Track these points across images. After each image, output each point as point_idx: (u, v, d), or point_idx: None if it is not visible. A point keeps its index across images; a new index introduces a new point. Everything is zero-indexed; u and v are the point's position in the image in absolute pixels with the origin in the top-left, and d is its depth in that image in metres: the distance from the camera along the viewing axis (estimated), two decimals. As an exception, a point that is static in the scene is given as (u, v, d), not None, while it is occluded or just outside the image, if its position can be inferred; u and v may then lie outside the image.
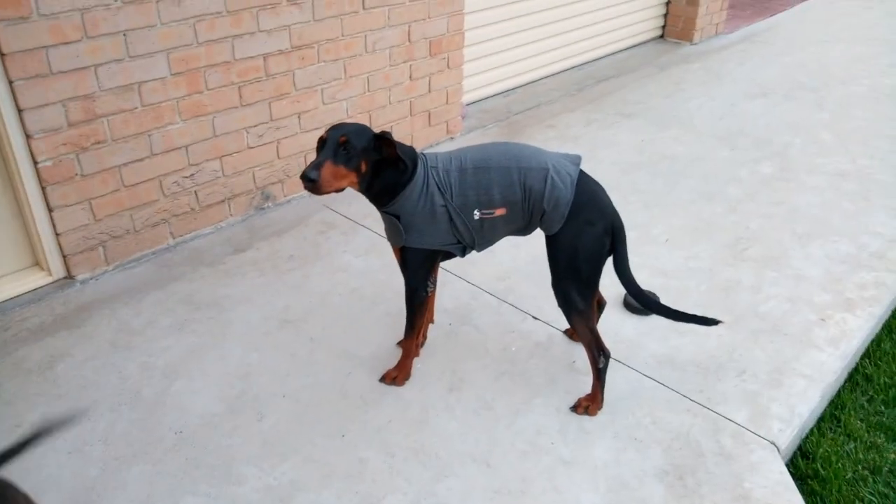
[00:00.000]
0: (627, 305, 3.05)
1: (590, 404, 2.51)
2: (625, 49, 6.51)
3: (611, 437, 2.44)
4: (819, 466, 2.48)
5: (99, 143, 3.07)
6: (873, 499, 2.39)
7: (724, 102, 5.40)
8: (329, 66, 3.80)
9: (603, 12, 6.04)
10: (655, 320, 2.94)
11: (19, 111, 2.82)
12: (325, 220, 3.75)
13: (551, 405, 2.57)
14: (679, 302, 3.04)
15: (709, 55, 6.47)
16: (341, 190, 2.26)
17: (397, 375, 2.63)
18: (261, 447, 2.40)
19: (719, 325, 2.53)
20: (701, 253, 3.50)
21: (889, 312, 3.23)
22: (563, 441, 2.42)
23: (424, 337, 2.83)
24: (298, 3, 3.53)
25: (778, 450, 2.42)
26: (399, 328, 2.81)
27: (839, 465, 2.49)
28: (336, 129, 2.24)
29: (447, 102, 4.54)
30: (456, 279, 3.23)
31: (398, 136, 4.16)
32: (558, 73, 5.89)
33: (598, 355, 2.44)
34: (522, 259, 3.36)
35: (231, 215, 3.70)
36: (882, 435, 2.64)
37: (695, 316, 2.47)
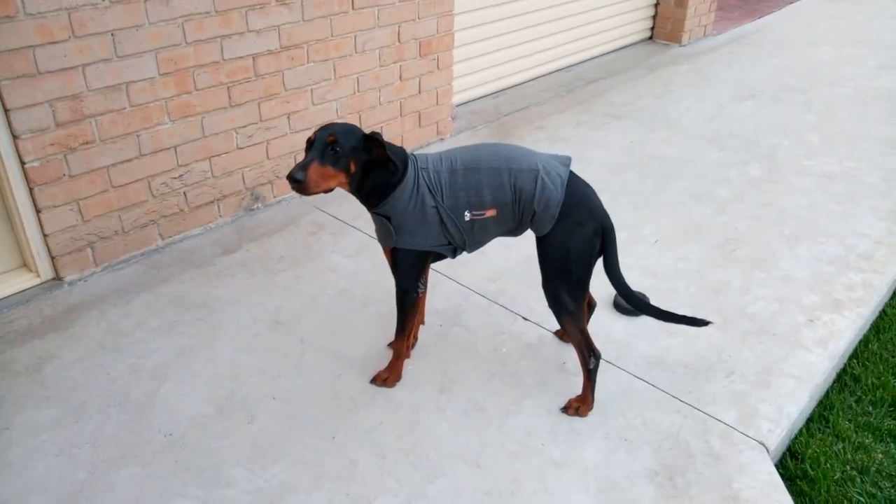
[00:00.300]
0: (617, 306, 3.06)
1: (580, 405, 2.51)
2: (614, 51, 6.53)
3: (601, 438, 2.45)
4: (808, 467, 2.50)
5: (87, 143, 3.05)
6: (861, 499, 2.41)
7: (713, 104, 5.43)
8: (318, 67, 3.79)
9: (592, 14, 6.06)
10: (645, 321, 2.95)
11: (6, 111, 2.80)
12: (316, 220, 3.74)
13: (542, 406, 2.57)
14: (668, 303, 3.06)
15: (697, 57, 6.50)
16: (330, 190, 2.25)
17: (388, 377, 2.63)
18: (251, 449, 2.39)
19: (709, 325, 2.54)
20: (690, 254, 3.52)
21: (876, 313, 3.26)
22: (554, 442, 2.43)
23: (415, 338, 2.83)
24: (287, 3, 3.52)
25: (767, 450, 2.43)
26: (390, 329, 2.80)
27: (828, 465, 2.51)
28: (325, 129, 2.24)
29: (437, 103, 4.53)
30: (447, 280, 3.23)
31: (388, 136, 4.15)
32: (548, 74, 5.90)
33: (589, 356, 2.44)
34: (513, 260, 3.37)
35: (220, 216, 3.68)
36: (870, 435, 2.66)
37: (684, 317, 2.48)
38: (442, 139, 4.69)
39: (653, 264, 3.43)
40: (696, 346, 2.87)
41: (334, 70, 3.87)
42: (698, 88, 5.74)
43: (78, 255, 3.19)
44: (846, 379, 2.94)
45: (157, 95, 3.20)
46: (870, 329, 3.21)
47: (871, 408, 2.79)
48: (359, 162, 2.25)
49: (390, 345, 2.80)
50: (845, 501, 2.40)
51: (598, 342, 2.52)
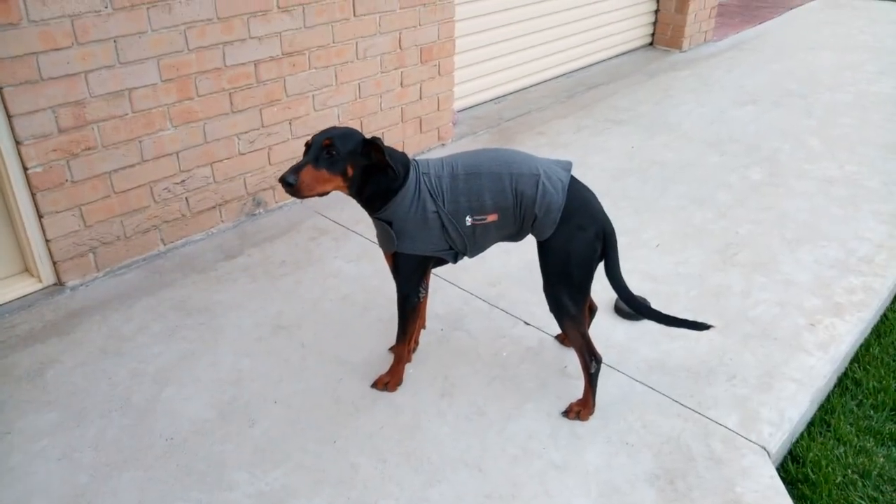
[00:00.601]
0: (619, 311, 3.06)
1: (581, 409, 2.51)
2: (614, 56, 6.55)
3: (602, 442, 2.45)
4: (809, 471, 2.49)
5: (89, 149, 3.06)
6: (863, 502, 2.40)
7: (714, 109, 5.44)
8: (320, 73, 3.81)
9: (593, 20, 6.09)
10: (646, 325, 2.95)
11: (9, 117, 2.82)
12: (317, 225, 3.75)
13: (543, 410, 2.57)
14: (669, 307, 3.06)
15: (698, 62, 6.52)
16: (325, 194, 2.26)
17: (389, 381, 2.63)
18: (252, 453, 2.39)
19: (710, 329, 2.54)
20: (691, 258, 3.52)
21: (877, 317, 3.26)
22: (555, 446, 2.43)
23: (416, 343, 2.83)
24: (289, 10, 3.54)
25: (768, 454, 2.43)
26: (391, 334, 2.81)
27: (829, 469, 2.50)
28: (322, 133, 2.25)
29: (438, 109, 4.55)
30: (448, 285, 3.24)
31: (389, 142, 4.16)
32: (549, 80, 5.92)
33: (590, 360, 2.45)
34: (514, 265, 3.37)
35: (222, 221, 3.69)
36: (871, 439, 2.66)
37: (686, 320, 2.48)
38: (443, 145, 4.70)
39: (653, 268, 3.44)
40: (698, 349, 2.87)
41: (336, 76, 3.88)
42: (699, 94, 5.75)
43: (80, 260, 3.20)
44: (847, 383, 2.94)
45: (159, 101, 3.21)
46: (871, 333, 3.20)
47: (872, 412, 2.79)
48: (357, 166, 2.25)
49: (391, 349, 2.80)
50: (847, 505, 2.40)
51: (599, 346, 2.52)
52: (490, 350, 2.86)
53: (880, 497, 2.43)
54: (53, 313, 3.05)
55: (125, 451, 2.39)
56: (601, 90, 5.80)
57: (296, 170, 2.16)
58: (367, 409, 2.58)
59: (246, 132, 3.61)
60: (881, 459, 2.57)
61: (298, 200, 3.95)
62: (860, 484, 2.48)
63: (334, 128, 2.28)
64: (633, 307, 2.49)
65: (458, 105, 5.01)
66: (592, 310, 2.74)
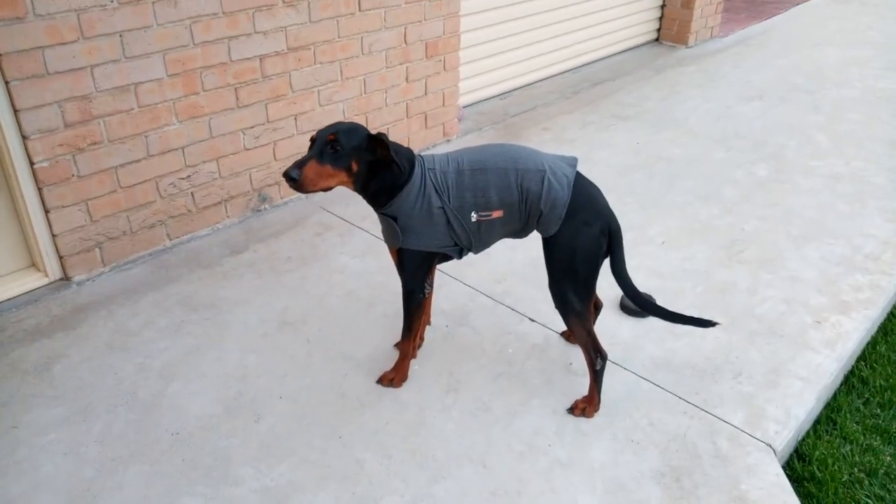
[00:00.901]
0: (624, 307, 3.05)
1: (587, 406, 2.51)
2: (620, 52, 6.53)
3: (608, 439, 2.44)
4: (815, 469, 2.49)
5: (95, 144, 3.06)
6: (869, 501, 2.40)
7: (720, 105, 5.42)
8: (325, 68, 3.80)
9: (598, 15, 6.06)
10: (652, 322, 2.94)
11: (15, 112, 2.82)
12: (322, 221, 3.75)
13: (548, 407, 2.57)
14: (675, 303, 3.05)
15: (704, 58, 6.49)
16: (329, 189, 2.25)
17: (394, 377, 2.63)
18: (258, 448, 2.39)
19: (716, 326, 2.53)
20: (697, 254, 3.51)
21: (884, 315, 3.25)
22: (560, 443, 2.42)
23: (421, 339, 2.83)
24: (294, 4, 3.53)
25: (774, 452, 2.42)
26: (396, 330, 2.81)
27: (835, 467, 2.50)
28: (327, 128, 2.25)
29: (444, 104, 4.54)
30: (453, 281, 3.23)
31: (395, 138, 4.16)
32: (554, 75, 5.90)
33: (595, 357, 2.44)
34: (519, 261, 3.36)
35: (228, 217, 3.69)
36: (878, 437, 2.65)
37: (691, 317, 2.47)
38: (448, 140, 4.69)
39: (659, 265, 3.43)
40: (703, 347, 2.87)
41: (341, 71, 3.88)
42: (705, 89, 5.73)
43: (86, 255, 3.20)
44: (854, 381, 2.93)
45: (164, 96, 3.21)
46: (877, 331, 3.19)
47: (879, 410, 2.78)
48: (361, 162, 2.25)
49: (397, 345, 2.80)
50: None
51: (604, 343, 2.51)
52: (495, 346, 2.86)
53: (887, 496, 2.42)
54: (60, 308, 3.06)
55: (131, 446, 2.39)
56: (607, 86, 5.78)
57: (299, 164, 2.16)
58: (373, 404, 2.58)
59: (251, 127, 3.61)
60: (888, 458, 2.56)
61: (303, 196, 3.97)
62: (867, 482, 2.47)
63: (339, 123, 2.28)
64: (638, 304, 2.48)
65: (463, 101, 5.00)
66: (598, 306, 2.74)
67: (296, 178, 2.12)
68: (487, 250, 2.53)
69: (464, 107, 5.07)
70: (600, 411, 2.54)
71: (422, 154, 2.39)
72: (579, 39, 5.99)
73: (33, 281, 3.14)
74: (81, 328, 2.94)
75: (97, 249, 3.24)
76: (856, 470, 2.52)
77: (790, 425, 2.53)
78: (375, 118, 4.17)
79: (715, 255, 3.52)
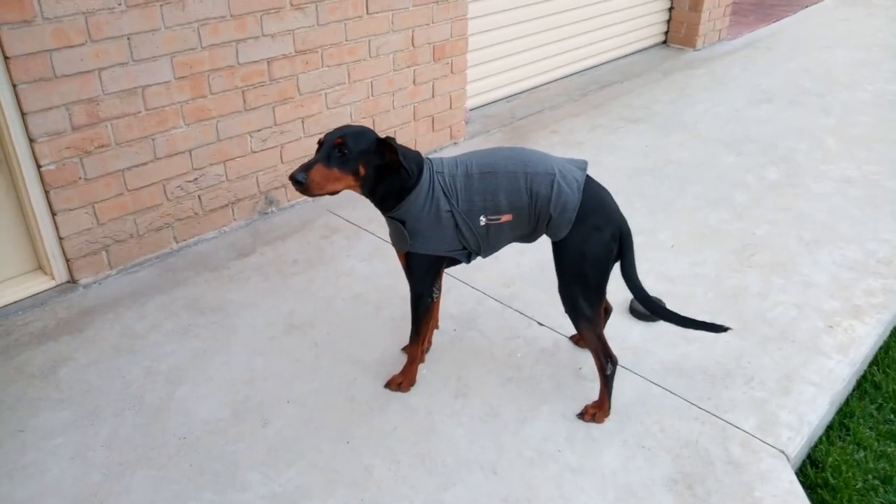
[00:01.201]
0: (634, 312, 3.03)
1: (597, 411, 2.48)
2: (628, 55, 6.50)
3: (619, 445, 2.41)
4: (829, 475, 2.45)
5: (102, 146, 3.05)
6: (884, 508, 2.37)
7: (729, 108, 5.39)
8: (333, 71, 3.79)
9: (606, 17, 6.04)
10: (662, 327, 2.91)
11: (23, 115, 2.81)
12: (329, 224, 3.74)
13: (558, 412, 2.55)
14: (686, 308, 3.02)
15: (712, 61, 6.46)
16: (336, 192, 2.23)
17: (402, 381, 2.61)
18: (265, 453, 2.37)
19: (727, 332, 2.49)
20: (707, 259, 3.48)
21: (897, 319, 3.21)
22: (571, 448, 2.40)
23: (429, 343, 2.81)
24: (302, 7, 3.52)
25: (787, 458, 2.39)
26: (403, 333, 2.79)
27: (849, 474, 2.46)
28: (334, 131, 2.23)
29: (451, 107, 4.52)
30: (461, 285, 3.21)
31: (402, 140, 4.14)
32: (562, 78, 5.88)
33: (606, 362, 2.42)
34: (527, 265, 3.34)
35: (235, 220, 3.68)
36: (892, 444, 2.61)
37: (703, 322, 2.44)
38: (455, 143, 4.67)
39: (669, 269, 3.40)
40: (715, 352, 2.84)
41: (348, 74, 3.86)
42: (714, 92, 5.70)
43: (93, 257, 3.20)
44: (866, 386, 2.90)
45: (172, 99, 3.20)
46: (890, 335, 3.15)
47: (892, 416, 2.75)
48: (369, 166, 2.23)
49: (405, 349, 2.78)
50: (868, 511, 2.36)
51: (614, 348, 2.49)
52: (504, 351, 2.84)
53: (902, 503, 2.39)
54: (66, 311, 3.05)
55: (138, 450, 2.38)
56: (615, 88, 5.75)
57: (306, 168, 2.14)
58: (381, 409, 2.55)
59: (259, 130, 3.60)
60: (902, 465, 2.53)
61: (310, 199, 3.95)
62: (881, 490, 2.44)
63: (347, 126, 2.26)
64: (649, 308, 2.45)
65: (470, 103, 4.98)
66: (607, 311, 2.71)
67: (302, 182, 2.10)
68: (496, 254, 2.51)
69: (471, 109, 5.06)
70: (611, 417, 2.51)
71: (430, 157, 2.36)
72: (587, 42, 5.97)
73: (40, 284, 3.13)
74: (88, 331, 2.93)
75: (104, 252, 3.23)
76: (870, 477, 2.49)
77: (803, 431, 2.50)
78: (382, 121, 4.15)
79: (725, 259, 3.48)
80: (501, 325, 2.98)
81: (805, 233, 3.72)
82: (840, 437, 2.65)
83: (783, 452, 2.40)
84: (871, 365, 2.99)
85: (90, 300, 3.12)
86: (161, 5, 3.03)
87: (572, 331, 2.89)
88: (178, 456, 2.36)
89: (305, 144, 3.82)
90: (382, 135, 2.28)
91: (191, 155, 3.38)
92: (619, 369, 2.53)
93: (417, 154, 2.32)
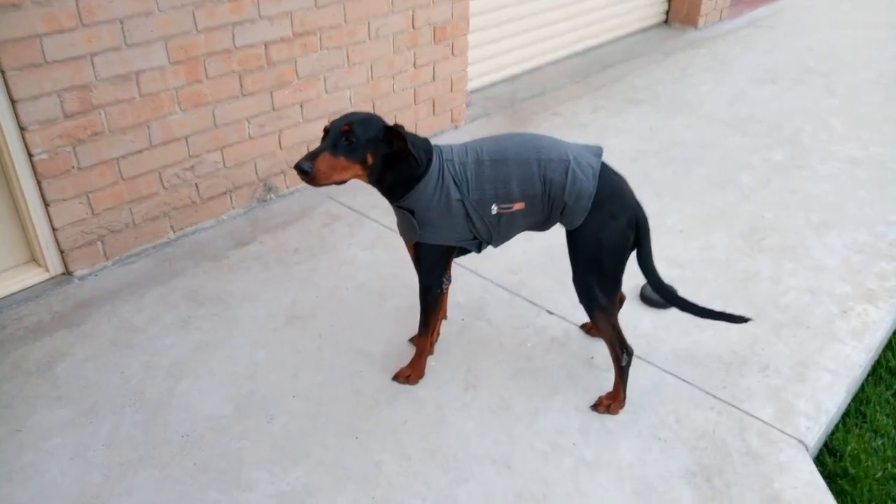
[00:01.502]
0: (645, 299, 2.96)
1: (611, 403, 2.42)
2: (629, 35, 6.39)
3: (634, 437, 2.36)
4: (848, 465, 2.40)
5: (96, 134, 2.95)
6: (905, 498, 2.32)
7: (733, 88, 5.30)
8: (332, 54, 3.68)
9: (607, -3, 5.93)
10: (674, 314, 2.85)
11: (13, 102, 2.71)
12: (330, 211, 3.65)
13: (571, 403, 2.49)
14: (697, 294, 2.96)
15: (714, 40, 6.36)
16: (343, 182, 2.15)
17: (411, 374, 2.54)
18: (271, 450, 2.31)
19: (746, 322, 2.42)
20: (716, 243, 3.42)
21: (911, 303, 3.16)
22: (586, 441, 2.34)
23: (437, 333, 2.74)
24: (300, -13, 3.41)
25: (806, 448, 2.34)
26: (409, 324, 2.72)
27: (869, 463, 2.41)
28: (341, 118, 2.14)
29: (452, 90, 4.42)
30: (467, 273, 3.14)
31: (403, 124, 4.04)
32: (563, 59, 5.77)
33: (622, 352, 2.35)
34: (535, 251, 3.27)
35: (233, 208, 3.59)
36: (910, 431, 2.57)
37: (722, 313, 2.37)
38: (456, 127, 4.58)
39: (678, 254, 3.33)
40: (729, 339, 2.78)
41: (348, 57, 3.76)
42: (717, 72, 5.61)
43: (88, 249, 3.11)
44: (881, 372, 2.85)
45: (167, 85, 3.10)
46: (904, 320, 3.10)
47: (909, 402, 2.70)
48: (377, 154, 2.14)
49: (411, 340, 2.71)
50: (889, 501, 2.31)
51: (626, 336, 2.42)
52: (513, 341, 2.77)
53: (923, 492, 2.34)
54: (62, 304, 2.96)
55: (140, 449, 2.31)
56: (617, 69, 5.65)
57: (312, 156, 2.05)
58: (389, 402, 2.49)
59: (256, 116, 3.50)
60: (922, 453, 2.48)
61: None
62: (901, 478, 2.39)
63: (354, 113, 2.17)
64: (666, 298, 2.38)
65: (470, 86, 4.87)
66: (621, 300, 2.64)
67: (308, 171, 2.02)
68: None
69: (471, 92, 4.95)
70: (625, 408, 2.45)
71: (439, 144, 2.28)
72: (588, 22, 5.85)
73: (34, 276, 3.04)
74: (85, 325, 2.84)
75: (99, 243, 3.14)
76: (889, 465, 2.44)
77: (821, 420, 2.45)
78: (382, 104, 4.05)
79: (735, 243, 3.42)
80: (510, 314, 2.91)
81: (813, 215, 3.66)
82: (857, 425, 2.60)
83: (802, 442, 2.35)
84: (885, 350, 2.94)
85: (86, 293, 3.04)
86: (154, -13, 2.92)
87: (582, 319, 2.83)
88: (181, 454, 2.29)
89: (304, 130, 3.72)
90: (391, 123, 2.19)
91: (187, 142, 3.28)
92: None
93: (426, 141, 2.24)
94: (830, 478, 2.39)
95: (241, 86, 3.38)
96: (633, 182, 2.34)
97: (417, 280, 2.38)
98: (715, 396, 2.52)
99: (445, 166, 2.21)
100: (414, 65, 4.12)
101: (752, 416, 2.44)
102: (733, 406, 2.48)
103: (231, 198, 3.56)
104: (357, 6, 3.68)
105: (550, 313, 2.92)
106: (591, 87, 5.28)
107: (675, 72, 5.62)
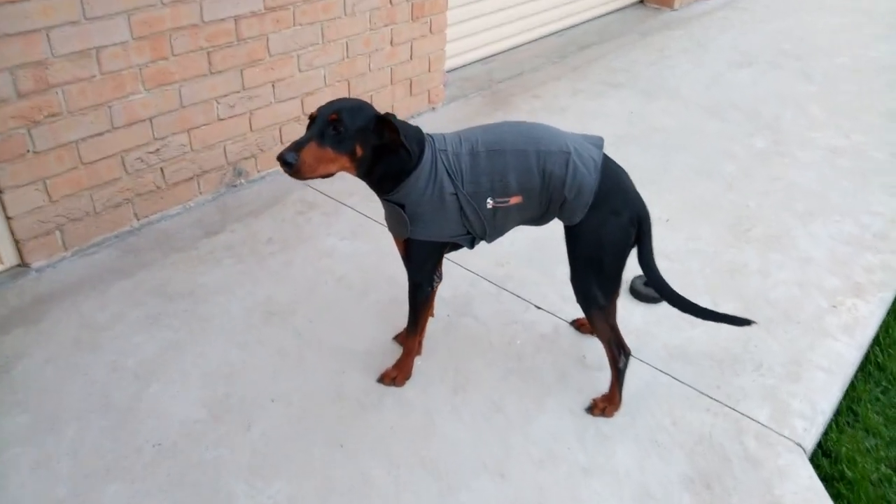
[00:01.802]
0: (634, 292, 2.88)
1: (607, 405, 2.34)
2: (605, 14, 6.27)
3: (631, 441, 2.28)
4: (845, 468, 2.36)
5: (53, 115, 2.73)
6: (900, 500, 2.29)
7: (710, 71, 5.23)
8: (306, 30, 3.48)
9: (584, -25, 5.79)
10: (664, 309, 2.75)
11: (-41, 80, 2.48)
12: (305, 198, 3.48)
13: (564, 406, 2.39)
14: (685, 287, 2.82)
15: (690, 21, 6.28)
16: (330, 175, 1.99)
17: (397, 375, 2.42)
18: (251, 459, 2.16)
19: (751, 325, 2.33)
20: (702, 234, 3.35)
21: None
22: (581, 447, 2.25)
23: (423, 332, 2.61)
24: (273, -41, 3.20)
25: (804, 451, 2.29)
26: (392, 319, 2.60)
27: (864, 465, 2.38)
28: (329, 105, 1.98)
29: (429, 70, 4.26)
30: (453, 266, 3.01)
31: (378, 106, 3.87)
32: (539, 38, 5.62)
33: (619, 354, 2.26)
34: (521, 242, 3.15)
35: (200, 193, 3.39)
36: (902, 429, 2.54)
37: (725, 315, 2.28)
38: (433, 108, 4.42)
39: (664, 245, 3.23)
40: (720, 335, 2.71)
41: (322, 34, 3.56)
42: (694, 55, 5.53)
43: (45, 238, 2.89)
44: (870, 368, 2.82)
45: (130, 62, 2.88)
46: (888, 314, 3.07)
47: (899, 399, 2.68)
48: (367, 145, 1.99)
49: (396, 338, 2.59)
50: (885, 504, 2.28)
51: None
52: (502, 338, 2.66)
53: (918, 494, 2.32)
54: (18, 299, 2.75)
55: (108, 459, 2.14)
56: (594, 50, 5.53)
57: (297, 147, 1.89)
58: (375, 406, 2.36)
59: (225, 95, 3.29)
60: (915, 453, 2.46)
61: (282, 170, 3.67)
62: (895, 479, 2.36)
63: (343, 99, 2.01)
64: (667, 298, 2.28)
65: (446, 65, 4.70)
66: (613, 296, 2.54)
67: (292, 164, 1.86)
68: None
69: (447, 72, 4.78)
70: (620, 410, 2.37)
71: (431, 134, 2.13)
72: (564, 1, 5.71)
73: (-14, 268, 2.83)
74: (44, 322, 2.65)
75: (57, 232, 2.93)
76: (882, 466, 2.41)
77: (817, 421, 2.41)
78: (358, 85, 3.87)
79: (720, 234, 3.36)
80: (497, 310, 2.80)
81: (798, 205, 3.61)
82: (849, 424, 2.57)
83: (800, 445, 2.30)
84: (872, 345, 2.91)
85: (44, 286, 2.83)
86: (115, -45, 2.69)
87: (572, 315, 2.74)
88: (153, 464, 2.13)
89: (276, 111, 3.53)
90: (380, 110, 2.04)
91: (151, 123, 3.07)
92: (627, 359, 2.38)
93: (418, 131, 2.09)
94: (827, 480, 2.34)
95: (210, 63, 3.17)
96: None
97: (407, 277, 2.25)
98: (710, 397, 2.45)
99: (439, 157, 2.07)
100: (391, 42, 3.94)
101: (748, 417, 2.38)
102: (729, 407, 2.42)
103: (199, 183, 3.36)
104: (333, -20, 3.49)
105: (539, 308, 2.81)
106: (568, 69, 5.15)
107: (653, 53, 5.52)
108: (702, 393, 2.47)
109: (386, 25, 3.87)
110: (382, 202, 2.15)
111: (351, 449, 2.21)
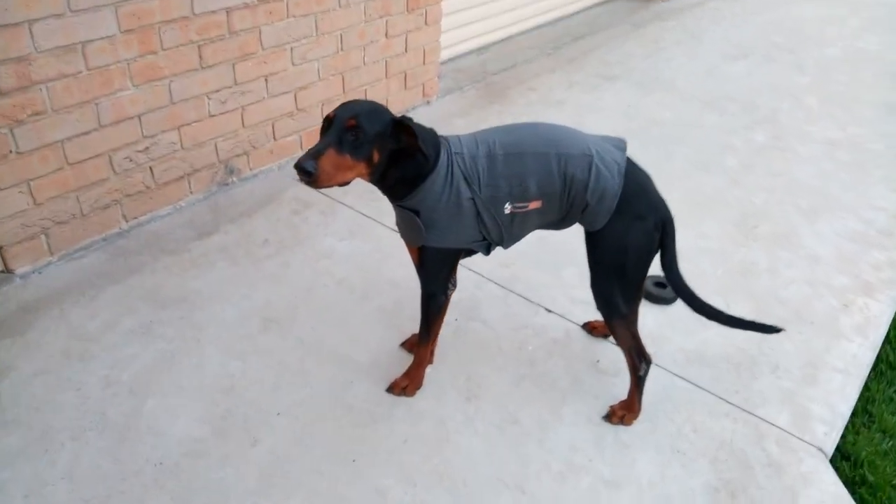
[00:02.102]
0: (647, 295, 2.80)
1: (626, 413, 2.26)
2: (598, 4, 6.19)
3: (652, 450, 2.21)
4: (866, 472, 2.32)
5: (37, 114, 2.58)
6: (923, 505, 2.25)
7: (705, 63, 5.18)
8: (299, 22, 3.35)
9: (575, -36, 5.69)
10: (677, 310, 2.71)
11: (-64, 77, 2.32)
12: (299, 197, 3.35)
13: (581, 414, 2.32)
14: (698, 288, 2.76)
15: (682, 12, 6.22)
16: (346, 184, 1.88)
17: (408, 385, 2.32)
18: (258, 479, 2.06)
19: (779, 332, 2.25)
20: (709, 231, 3.29)
21: (905, 294, 3.10)
22: (602, 457, 2.17)
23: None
24: (265, -52, 3.06)
25: (826, 456, 2.24)
26: (398, 325, 2.52)
27: (886, 469, 2.33)
28: (345, 108, 1.86)
29: (424, 63, 4.14)
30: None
31: (373, 99, 3.76)
32: (532, 29, 5.53)
33: (640, 362, 2.19)
34: (526, 241, 2.99)
35: (191, 193, 3.26)
36: (919, 432, 2.51)
37: (753, 323, 2.19)
38: (428, 102, 4.31)
39: (672, 243, 3.18)
40: (734, 337, 2.64)
41: (316, 26, 3.43)
42: (688, 47, 5.47)
43: (30, 243, 2.75)
44: (882, 366, 2.78)
45: (117, 57, 2.74)
46: (896, 311, 3.04)
47: (914, 400, 2.64)
48: (384, 151, 1.88)
49: (403, 345, 2.50)
50: (909, 510, 2.24)
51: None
52: (513, 344, 2.58)
53: (940, 499, 2.28)
54: (2, 308, 2.61)
55: (107, 482, 2.02)
56: (588, 41, 5.45)
57: (315, 154, 1.77)
58: (385, 418, 2.27)
59: (217, 91, 3.15)
60: (933, 455, 2.42)
61: (275, 167, 3.56)
62: (916, 484, 2.32)
63: (357, 102, 1.90)
64: (692, 306, 2.18)
65: (440, 57, 4.58)
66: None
67: (311, 172, 1.74)
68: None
69: (440, 63, 4.67)
70: (639, 417, 2.29)
71: (447, 137, 2.03)
72: (556, -10, 5.62)
73: (-33, 275, 2.68)
74: (31, 333, 2.51)
75: (43, 236, 2.78)
76: (901, 469, 2.37)
77: (837, 425, 2.36)
78: (353, 78, 3.75)
79: (727, 231, 3.30)
80: (506, 314, 2.71)
81: (801, 200, 3.57)
82: (865, 425, 2.53)
83: (821, 450, 2.25)
84: (883, 344, 2.87)
85: (30, 293, 2.69)
86: (101, -56, 2.54)
87: (582, 318, 2.67)
88: (155, 486, 2.02)
89: (269, 106, 3.39)
90: (387, 110, 1.93)
91: (140, 121, 2.92)
92: (644, 365, 2.31)
93: (434, 133, 1.98)
94: (848, 485, 2.29)
95: (201, 57, 3.03)
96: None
97: (420, 286, 2.15)
98: (729, 402, 2.39)
99: (455, 161, 1.97)
100: (386, 35, 3.82)
101: (768, 422, 2.32)
102: (748, 412, 2.36)
103: (189, 182, 3.23)
104: (327, -30, 3.35)
105: (549, 311, 2.73)
106: (563, 60, 5.06)
107: (647, 45, 5.45)
108: (720, 398, 2.40)
109: (381, 17, 3.75)
110: (395, 208, 2.04)
111: (363, 464, 2.11)
